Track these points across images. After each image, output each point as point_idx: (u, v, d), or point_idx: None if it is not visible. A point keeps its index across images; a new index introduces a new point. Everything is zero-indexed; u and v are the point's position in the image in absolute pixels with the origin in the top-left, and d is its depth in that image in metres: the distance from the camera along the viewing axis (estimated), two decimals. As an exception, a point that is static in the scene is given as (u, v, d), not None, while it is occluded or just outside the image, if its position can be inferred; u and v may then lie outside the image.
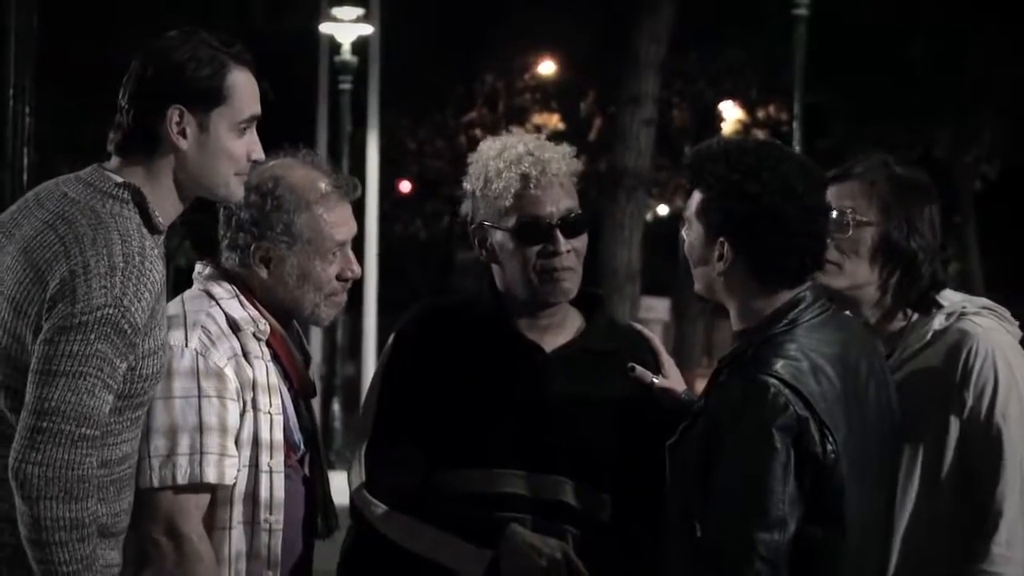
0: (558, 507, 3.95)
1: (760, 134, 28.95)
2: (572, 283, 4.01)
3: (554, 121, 32.33)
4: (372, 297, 20.64)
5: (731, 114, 31.03)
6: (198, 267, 4.02)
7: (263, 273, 3.95)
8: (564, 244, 3.98)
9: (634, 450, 3.95)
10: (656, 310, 32.26)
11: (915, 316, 4.02)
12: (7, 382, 3.51)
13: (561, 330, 4.07)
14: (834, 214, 3.95)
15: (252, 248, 3.93)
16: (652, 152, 19.57)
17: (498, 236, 4.02)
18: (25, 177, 6.17)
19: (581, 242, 4.03)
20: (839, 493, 3.55)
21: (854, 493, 3.57)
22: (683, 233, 3.79)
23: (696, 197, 3.74)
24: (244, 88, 3.67)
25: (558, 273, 3.99)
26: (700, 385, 3.91)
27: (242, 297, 3.94)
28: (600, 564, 3.88)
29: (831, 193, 3.94)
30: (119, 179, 3.59)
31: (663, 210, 36.88)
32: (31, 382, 3.42)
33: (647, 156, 18.84)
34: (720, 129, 30.09)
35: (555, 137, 4.14)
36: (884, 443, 3.71)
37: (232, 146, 3.66)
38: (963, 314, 3.97)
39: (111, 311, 3.43)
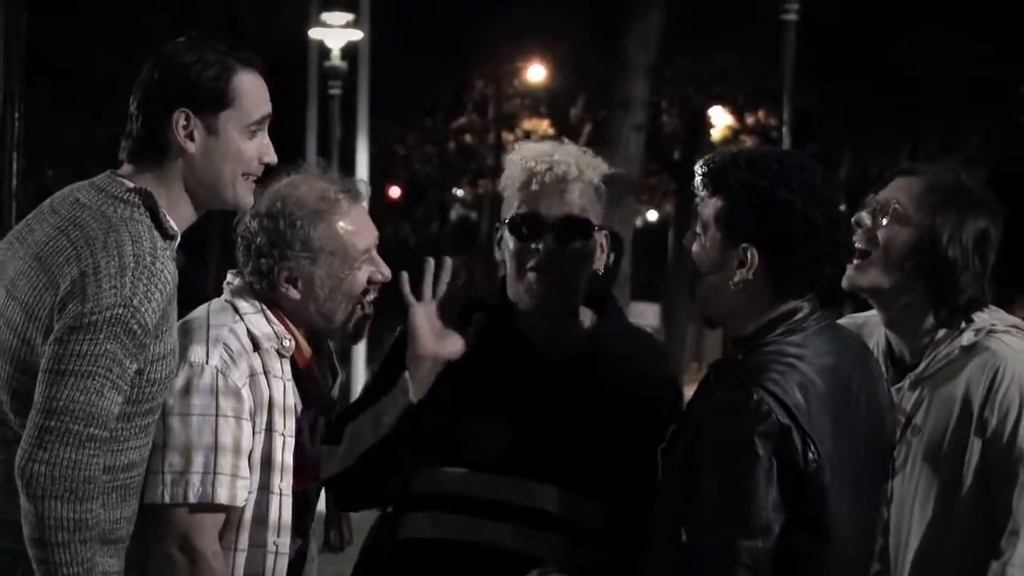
0: (540, 515, 3.88)
1: (749, 139, 28.98)
2: (553, 294, 3.90)
3: (544, 126, 32.35)
4: (362, 302, 20.51)
5: (720, 120, 31.04)
6: (229, 276, 3.99)
7: (293, 294, 3.92)
8: (550, 244, 3.89)
9: (632, 462, 3.84)
10: (646, 315, 32.22)
11: (943, 330, 3.95)
12: (14, 384, 3.52)
13: (569, 335, 3.99)
14: (880, 202, 3.94)
15: (276, 271, 3.91)
16: (642, 158, 19.56)
17: (504, 231, 3.97)
18: (14, 183, 6.14)
19: (575, 251, 3.91)
20: (821, 502, 3.54)
21: (840, 503, 3.56)
22: (691, 239, 3.72)
23: (713, 204, 3.66)
24: (252, 89, 3.68)
25: (536, 275, 3.88)
26: (689, 391, 3.89)
27: (269, 313, 3.90)
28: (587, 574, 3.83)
29: (892, 185, 3.92)
30: (130, 184, 3.60)
31: (652, 216, 36.89)
32: (41, 381, 3.43)
33: (637, 162, 18.82)
34: (710, 135, 30.10)
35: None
36: (874, 455, 3.70)
37: (243, 148, 3.67)
38: (991, 332, 3.91)
39: (121, 311, 3.44)
